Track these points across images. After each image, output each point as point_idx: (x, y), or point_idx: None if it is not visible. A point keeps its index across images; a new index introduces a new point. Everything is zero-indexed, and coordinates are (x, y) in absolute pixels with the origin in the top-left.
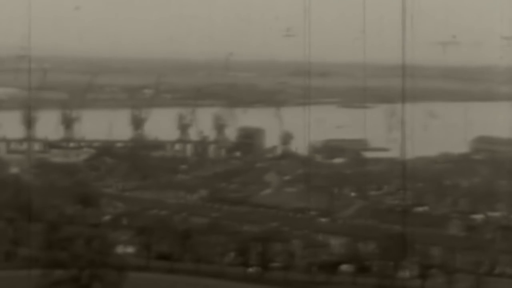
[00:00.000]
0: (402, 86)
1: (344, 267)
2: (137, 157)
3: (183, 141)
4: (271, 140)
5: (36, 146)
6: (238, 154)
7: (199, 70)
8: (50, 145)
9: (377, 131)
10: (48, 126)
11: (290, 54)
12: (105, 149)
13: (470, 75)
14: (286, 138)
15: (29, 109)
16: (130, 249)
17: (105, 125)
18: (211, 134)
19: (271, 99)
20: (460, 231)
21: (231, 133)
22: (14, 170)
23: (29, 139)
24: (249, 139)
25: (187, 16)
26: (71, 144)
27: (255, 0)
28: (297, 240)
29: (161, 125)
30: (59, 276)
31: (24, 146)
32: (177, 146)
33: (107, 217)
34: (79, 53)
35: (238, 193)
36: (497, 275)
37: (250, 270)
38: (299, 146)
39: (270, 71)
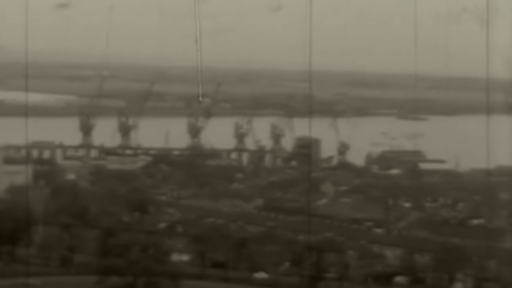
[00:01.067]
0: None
1: (399, 279)
2: (194, 165)
3: (239, 150)
4: (327, 150)
5: (93, 153)
6: (294, 164)
7: (258, 80)
8: (107, 152)
9: (434, 143)
10: (105, 133)
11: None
12: (162, 157)
13: None
14: (343, 148)
15: (86, 116)
16: (185, 257)
17: (162, 133)
18: (268, 144)
19: (329, 109)
20: None
21: (288, 143)
22: (70, 176)
23: (86, 145)
24: (305, 149)
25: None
26: (128, 151)
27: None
28: (352, 250)
29: (218, 133)
30: (114, 283)
31: (81, 152)
32: (234, 155)
33: (162, 225)
34: (137, 61)
35: (294, 202)
36: None
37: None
38: (355, 157)
39: (328, 81)
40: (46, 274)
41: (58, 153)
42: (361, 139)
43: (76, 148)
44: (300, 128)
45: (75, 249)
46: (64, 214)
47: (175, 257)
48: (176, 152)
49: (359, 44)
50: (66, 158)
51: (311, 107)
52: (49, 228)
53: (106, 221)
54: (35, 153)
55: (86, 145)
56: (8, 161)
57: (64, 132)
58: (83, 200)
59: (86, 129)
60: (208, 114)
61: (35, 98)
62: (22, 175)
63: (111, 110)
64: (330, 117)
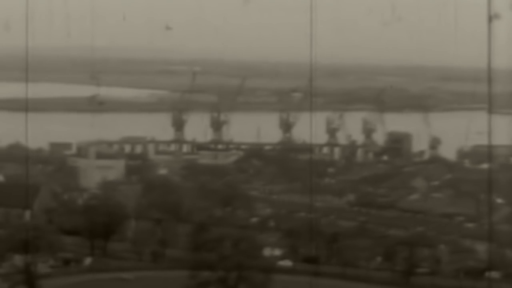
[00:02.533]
0: None
1: (490, 274)
2: (285, 160)
3: (331, 144)
4: (419, 145)
5: (185, 148)
6: (385, 158)
7: (349, 75)
8: (199, 147)
9: None
10: (197, 128)
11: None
12: (253, 152)
13: None
14: (434, 143)
15: (178, 111)
16: (277, 252)
17: (254, 128)
18: (359, 138)
19: (420, 104)
20: None
21: (379, 138)
22: (162, 171)
23: (178, 141)
24: (397, 143)
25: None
26: (220, 146)
27: (404, 7)
28: (443, 245)
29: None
30: (206, 278)
31: (173, 147)
32: (325, 150)
33: (254, 220)
34: (229, 56)
35: (386, 197)
36: None
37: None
38: (447, 151)
39: (420, 75)
40: (138, 269)
41: (150, 148)
42: (452, 133)
43: (168, 143)
44: (392, 122)
45: (167, 244)
46: (156, 209)
47: (267, 251)
48: (267, 147)
49: (452, 39)
50: (158, 153)
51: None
52: (141, 223)
53: (198, 216)
54: (127, 148)
55: (178, 140)
56: (101, 156)
57: (156, 127)
58: (175, 195)
59: (178, 124)
60: (301, 109)
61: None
62: (114, 170)
63: (203, 105)
64: (422, 111)
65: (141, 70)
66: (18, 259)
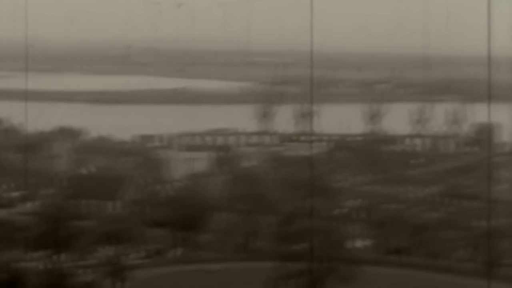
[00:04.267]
0: None
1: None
2: (371, 152)
3: (416, 135)
4: (507, 135)
5: (271, 140)
6: (472, 149)
7: (434, 66)
8: (285, 138)
9: None
10: (283, 119)
11: None
12: (339, 143)
13: None
14: None
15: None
16: (363, 243)
17: (339, 119)
18: (444, 129)
19: (507, 94)
20: None
21: (465, 128)
22: (249, 163)
23: (265, 132)
24: (483, 134)
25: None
26: (306, 138)
27: None
28: None
29: (395, 119)
30: (292, 270)
31: (259, 139)
32: (411, 141)
33: (340, 211)
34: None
35: (472, 188)
36: None
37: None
38: None
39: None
40: (225, 260)
41: (237, 140)
42: None
43: (254, 135)
44: (479, 113)
45: (254, 236)
46: (242, 200)
47: (353, 243)
48: (353, 138)
49: None
50: (244, 145)
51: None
52: (227, 214)
53: (284, 208)
54: (216, 140)
55: (264, 132)
56: (188, 148)
57: (242, 119)
58: (261, 186)
59: (264, 116)
60: (385, 100)
61: (215, 85)
62: (201, 162)
63: (289, 97)
64: (508, 101)
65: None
66: (107, 251)
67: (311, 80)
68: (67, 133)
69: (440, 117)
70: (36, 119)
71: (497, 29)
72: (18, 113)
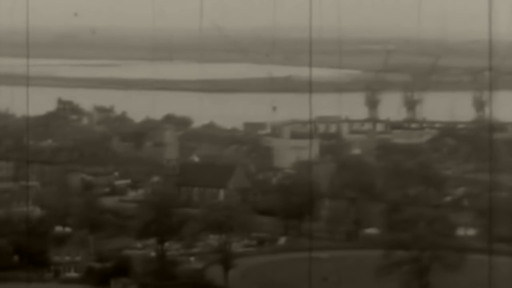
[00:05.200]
0: None
1: None
2: (479, 139)
3: None
4: None
5: (378, 127)
6: None
7: None
8: (393, 126)
9: None
10: (391, 107)
11: None
12: (447, 131)
13: None
14: None
15: (371, 91)
16: (471, 231)
17: (447, 107)
18: None
19: None
20: None
21: None
22: (356, 151)
23: (372, 120)
24: None
25: None
26: (413, 125)
27: None
28: None
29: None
30: (400, 257)
31: (367, 127)
32: None
33: (448, 199)
34: (422, 35)
35: None
36: None
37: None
38: None
39: None
40: (332, 248)
41: (344, 127)
42: None
43: (362, 122)
44: None
45: (361, 223)
46: (350, 188)
47: (461, 231)
48: (461, 126)
49: None
50: (352, 132)
51: None
52: (334, 202)
53: (392, 196)
54: (321, 128)
55: (372, 120)
56: (295, 136)
57: (350, 107)
58: (369, 174)
59: (372, 104)
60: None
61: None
62: (308, 149)
63: (397, 85)
64: None
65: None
66: (213, 239)
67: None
68: (174, 121)
69: None
70: (144, 107)
71: None
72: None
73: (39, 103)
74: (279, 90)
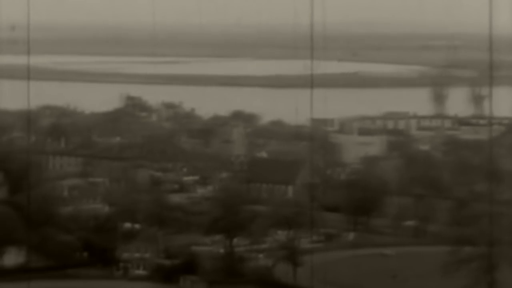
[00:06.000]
0: None
1: None
2: None
3: None
4: None
5: (446, 123)
6: None
7: None
8: (460, 122)
9: None
10: (458, 103)
11: None
12: None
13: None
14: None
15: (439, 86)
16: None
17: None
18: None
19: None
20: None
21: None
22: (424, 147)
23: (440, 116)
24: None
25: None
26: (481, 121)
27: None
28: None
29: None
30: (468, 254)
31: (434, 123)
32: None
33: None
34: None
35: None
36: None
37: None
38: None
39: None
40: (400, 245)
41: (412, 123)
42: None
43: (429, 118)
44: None
45: (428, 219)
46: (417, 184)
47: None
48: None
49: None
50: (419, 128)
51: None
52: (402, 198)
53: (460, 192)
54: (389, 124)
55: (440, 116)
56: (363, 132)
57: (417, 103)
58: (437, 170)
59: (439, 99)
60: None
61: (388, 69)
62: (375, 145)
63: (464, 80)
64: None
65: (400, 45)
66: (281, 235)
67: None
68: (242, 118)
69: None
70: (212, 104)
71: None
72: (194, 98)
73: (108, 99)
74: (346, 85)
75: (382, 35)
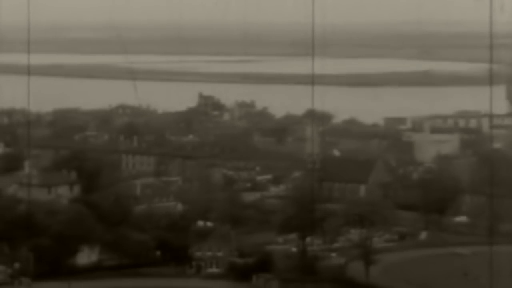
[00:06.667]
0: None
1: None
2: None
3: None
4: None
5: None
6: None
7: None
8: None
9: None
10: None
11: None
12: None
13: None
14: None
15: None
16: None
17: None
18: None
19: None
20: None
21: None
22: (497, 145)
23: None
24: None
25: None
26: None
27: None
28: None
29: None
30: None
31: (506, 121)
32: None
33: None
34: None
35: None
36: None
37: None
38: None
39: None
40: (474, 244)
41: (485, 122)
42: None
43: (503, 117)
44: None
45: (502, 218)
46: (491, 183)
47: None
48: None
49: None
50: (493, 127)
51: None
52: (476, 197)
53: None
54: (461, 123)
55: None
56: (435, 130)
57: (491, 101)
58: (510, 169)
59: None
60: None
61: (460, 67)
62: (448, 144)
63: None
64: None
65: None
66: (354, 234)
67: None
68: (318, 116)
69: None
70: (286, 103)
71: None
72: (268, 97)
73: (181, 98)
74: (417, 84)
75: (454, 34)
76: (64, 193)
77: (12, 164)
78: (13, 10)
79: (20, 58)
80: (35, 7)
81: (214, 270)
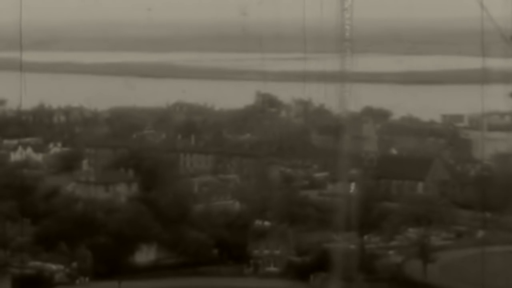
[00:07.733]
0: None
1: None
2: None
3: None
4: None
5: None
6: None
7: None
8: None
9: None
10: None
11: None
12: None
13: None
14: None
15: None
16: None
17: None
18: None
19: None
20: None
21: None
22: None
23: None
24: None
25: None
26: None
27: None
28: None
29: None
30: None
31: None
32: None
33: None
34: None
35: None
36: None
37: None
38: None
39: None
40: None
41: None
42: None
43: None
44: None
45: None
46: None
47: None
48: None
49: None
50: None
51: None
52: None
53: None
54: None
55: None
56: (493, 128)
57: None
58: None
59: None
60: None
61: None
62: (506, 141)
63: None
64: None
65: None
66: (412, 232)
67: None
68: (375, 114)
69: None
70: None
71: None
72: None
73: (239, 96)
74: (473, 81)
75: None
76: (122, 191)
77: (70, 163)
78: (70, 10)
79: (75, 57)
80: (89, 6)
81: (271, 269)
